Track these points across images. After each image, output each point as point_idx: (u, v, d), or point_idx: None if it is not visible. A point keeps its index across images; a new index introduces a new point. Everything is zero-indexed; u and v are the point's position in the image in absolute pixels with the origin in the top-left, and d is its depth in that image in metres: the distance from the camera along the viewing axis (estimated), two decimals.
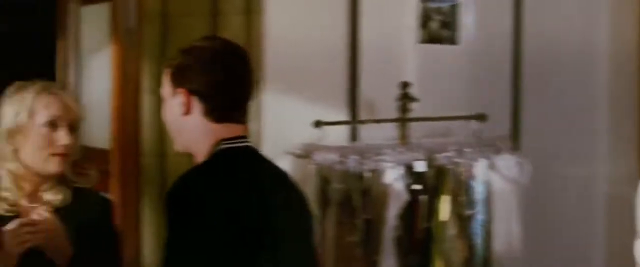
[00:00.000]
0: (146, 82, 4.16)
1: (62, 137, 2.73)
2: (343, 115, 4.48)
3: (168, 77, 2.46)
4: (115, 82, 4.35)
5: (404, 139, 4.35)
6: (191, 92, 2.41)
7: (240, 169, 2.40)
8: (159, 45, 4.19)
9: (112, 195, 4.35)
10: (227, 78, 2.41)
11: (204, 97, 2.40)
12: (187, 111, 2.41)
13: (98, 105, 4.77)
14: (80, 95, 5.09)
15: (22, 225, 2.63)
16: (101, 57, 4.82)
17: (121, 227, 4.18)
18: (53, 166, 2.74)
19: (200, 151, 2.43)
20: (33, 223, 2.65)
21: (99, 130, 4.71)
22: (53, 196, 2.79)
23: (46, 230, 2.66)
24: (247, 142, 2.47)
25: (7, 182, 2.76)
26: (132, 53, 4.26)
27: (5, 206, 2.75)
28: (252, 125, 4.22)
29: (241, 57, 2.48)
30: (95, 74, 5.02)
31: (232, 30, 4.21)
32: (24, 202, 2.77)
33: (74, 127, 2.77)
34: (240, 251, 2.27)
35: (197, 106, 2.41)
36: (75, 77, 5.11)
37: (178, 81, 2.42)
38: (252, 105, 4.14)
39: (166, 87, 2.47)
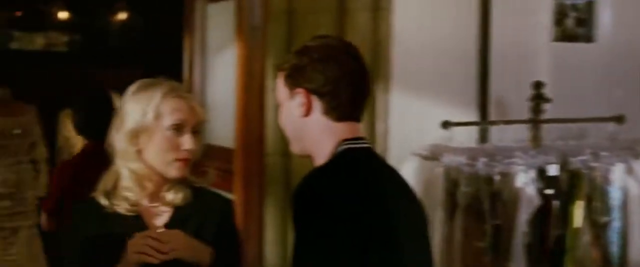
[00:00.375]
0: (271, 81, 4.14)
1: (187, 141, 2.71)
2: (472, 116, 4.41)
3: (283, 80, 2.44)
4: (239, 81, 4.34)
5: (536, 141, 4.25)
6: (310, 91, 2.38)
7: (363, 171, 2.36)
8: (284, 43, 4.18)
9: (235, 194, 4.35)
10: (344, 75, 2.38)
11: (323, 96, 2.37)
12: (308, 111, 2.39)
13: (222, 103, 4.77)
14: (205, 93, 5.11)
15: (146, 236, 2.61)
16: (226, 55, 4.82)
17: (244, 228, 4.18)
18: (175, 171, 2.72)
19: (322, 152, 2.40)
20: (158, 238, 2.61)
21: (223, 129, 4.71)
22: (174, 195, 2.77)
23: (171, 248, 2.61)
24: (366, 143, 2.45)
25: (129, 181, 2.74)
26: (256, 51, 4.25)
27: (126, 205, 2.74)
28: (378, 125, 4.21)
29: (354, 54, 2.44)
30: (220, 72, 5.03)
31: (359, 28, 4.17)
32: (145, 202, 2.76)
33: (197, 131, 2.75)
34: (363, 255, 2.23)
35: (317, 106, 2.39)
36: (200, 75, 5.13)
37: (295, 82, 2.40)
38: (378, 105, 4.20)
39: (282, 91, 2.45)
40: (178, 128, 2.70)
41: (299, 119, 2.40)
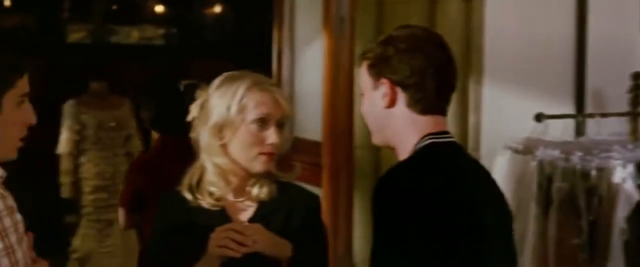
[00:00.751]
0: (359, 72, 4.07)
1: (271, 135, 2.67)
2: (568, 108, 4.31)
3: (367, 70, 2.38)
4: (327, 73, 4.31)
5: (635, 134, 4.15)
6: (394, 82, 2.32)
7: (447, 167, 2.30)
8: (372, 34, 4.16)
9: (323, 188, 4.31)
10: (430, 66, 2.31)
11: (408, 88, 2.31)
12: (392, 103, 2.33)
13: (311, 96, 4.74)
14: (293, 86, 5.09)
15: (229, 229, 2.57)
16: (315, 47, 4.79)
17: (332, 222, 4.14)
18: (260, 166, 2.69)
19: (404, 145, 2.34)
20: (241, 231, 2.58)
21: (312, 121, 4.68)
22: (259, 190, 2.74)
23: (254, 241, 2.58)
24: (451, 137, 2.38)
25: (214, 176, 2.72)
26: (344, 42, 4.22)
27: (211, 200, 2.71)
28: (470, 118, 4.14)
29: (441, 44, 2.38)
30: (309, 64, 5.01)
31: (450, 17, 4.11)
32: (229, 196, 2.74)
33: (282, 124, 2.71)
34: (446, 251, 2.18)
35: (401, 97, 2.32)
36: (289, 67, 5.12)
37: (380, 72, 2.33)
38: (470, 97, 4.13)
39: (365, 80, 2.39)
40: (262, 122, 2.66)
41: (381, 110, 2.34)
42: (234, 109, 2.65)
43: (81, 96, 6.83)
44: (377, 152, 4.17)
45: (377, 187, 2.25)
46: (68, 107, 6.75)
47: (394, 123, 2.33)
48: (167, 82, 7.13)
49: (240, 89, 2.66)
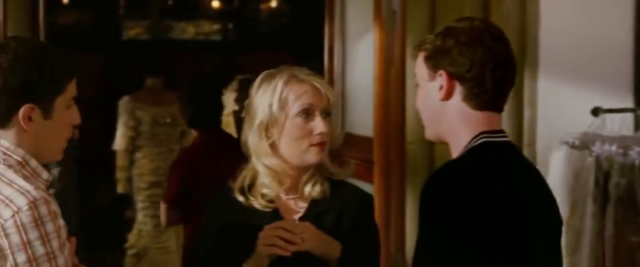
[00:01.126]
0: (410, 67, 4.02)
1: (318, 125, 2.63)
2: (626, 102, 4.21)
3: (424, 61, 2.33)
4: (378, 67, 4.28)
5: None
6: (452, 75, 2.27)
7: (499, 169, 2.25)
8: (425, 28, 4.12)
9: (375, 185, 4.27)
10: (490, 61, 2.26)
11: (466, 81, 2.26)
12: (448, 96, 2.28)
13: (362, 91, 4.71)
14: (345, 80, 5.05)
15: (277, 228, 2.55)
16: (366, 41, 4.75)
17: (384, 219, 4.10)
18: (312, 157, 2.65)
19: (458, 142, 2.30)
20: (290, 229, 2.55)
21: (363, 117, 4.64)
22: (311, 188, 2.70)
23: (303, 240, 2.56)
24: (506, 136, 2.33)
25: (266, 178, 2.68)
26: (395, 36, 4.17)
27: (263, 202, 2.68)
28: (526, 112, 4.07)
29: (502, 38, 2.32)
30: (360, 58, 4.97)
31: (505, 10, 4.08)
32: (282, 196, 2.71)
33: (327, 113, 2.67)
34: (491, 254, 2.13)
35: (458, 90, 2.28)
36: (340, 61, 5.08)
37: (437, 64, 2.29)
38: (525, 92, 4.06)
39: (421, 71, 2.34)
40: (306, 113, 2.63)
41: (437, 103, 2.29)
42: (275, 105, 2.63)
43: (137, 92, 6.86)
44: (430, 147, 4.11)
45: (426, 185, 2.20)
46: (123, 103, 6.78)
47: (448, 117, 2.29)
48: (205, 80, 7.15)
49: (278, 84, 2.64)
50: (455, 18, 2.43)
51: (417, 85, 2.37)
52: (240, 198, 2.69)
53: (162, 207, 4.48)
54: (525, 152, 4.14)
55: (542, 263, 2.25)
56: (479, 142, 2.25)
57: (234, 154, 2.80)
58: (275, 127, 2.64)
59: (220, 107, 4.57)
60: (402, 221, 4.23)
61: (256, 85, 2.70)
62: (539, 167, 4.03)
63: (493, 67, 2.24)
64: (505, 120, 4.07)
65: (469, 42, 2.24)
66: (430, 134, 2.37)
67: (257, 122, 2.65)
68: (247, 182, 2.71)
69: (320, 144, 2.64)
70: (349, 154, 4.48)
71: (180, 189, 4.28)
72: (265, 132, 2.65)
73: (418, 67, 2.35)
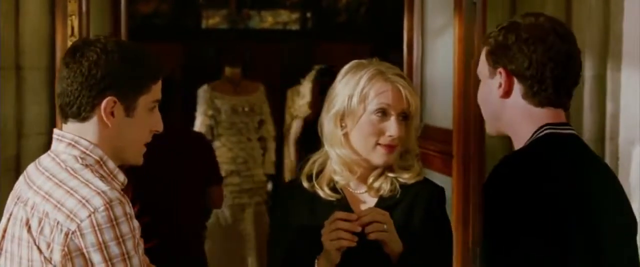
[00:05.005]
0: None
1: (391, 127, 2.60)
2: None
3: (486, 56, 2.32)
4: (457, 59, 4.23)
5: None
6: (511, 72, 2.25)
7: (566, 161, 2.21)
8: (506, 19, 3.99)
9: (454, 177, 4.24)
10: (551, 59, 2.23)
11: (526, 79, 2.24)
12: (507, 94, 2.27)
13: (442, 83, 4.67)
14: (424, 73, 5.02)
15: (335, 220, 2.51)
16: (446, 32, 4.71)
17: (462, 212, 4.06)
18: (378, 158, 2.63)
19: (519, 136, 2.28)
20: (346, 217, 2.52)
21: (442, 109, 4.61)
22: (380, 185, 2.68)
23: (369, 227, 2.52)
24: (571, 129, 2.29)
25: (337, 165, 2.68)
26: (476, 28, 4.12)
27: (328, 191, 2.67)
28: (608, 106, 4.00)
29: (566, 36, 2.28)
30: (440, 50, 4.92)
31: (588, 3, 3.97)
32: (351, 187, 2.70)
33: (406, 117, 2.63)
34: (556, 247, 2.10)
35: (517, 88, 2.26)
36: (419, 54, 5.04)
37: (497, 60, 2.27)
38: (608, 85, 3.99)
39: (483, 66, 2.33)
40: (383, 113, 2.61)
41: (497, 100, 2.28)
42: (355, 98, 2.61)
43: (215, 81, 6.90)
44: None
45: (487, 180, 2.19)
46: (202, 92, 6.82)
47: (508, 114, 2.27)
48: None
49: (363, 78, 2.62)
50: (537, 10, 2.40)
51: (479, 80, 2.36)
52: (305, 184, 2.68)
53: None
54: (607, 146, 4.08)
55: (611, 257, 2.19)
56: (542, 133, 2.22)
57: None
58: (351, 118, 2.63)
59: None
60: (481, 215, 4.18)
61: (343, 73, 2.69)
62: (621, 161, 4.00)
63: (554, 66, 2.22)
64: (586, 114, 4.04)
65: (529, 39, 2.22)
66: (490, 129, 2.37)
67: (334, 110, 2.65)
68: (316, 167, 2.71)
69: (389, 147, 2.61)
70: (428, 146, 4.46)
71: None
72: (340, 122, 2.64)
73: (480, 62, 2.34)
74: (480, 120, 4.13)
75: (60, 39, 4.05)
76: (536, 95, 2.23)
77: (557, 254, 2.08)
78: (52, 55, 4.11)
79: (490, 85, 2.29)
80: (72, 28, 4.08)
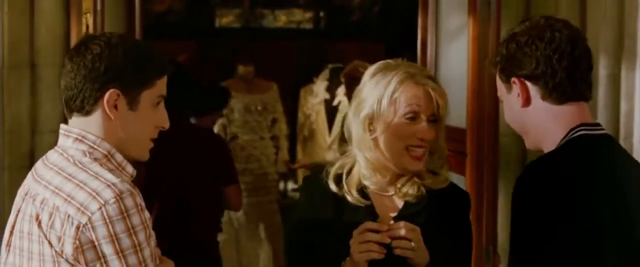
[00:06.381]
0: None
1: (421, 130, 2.56)
2: None
3: (499, 75, 2.35)
4: (471, 58, 4.22)
5: None
6: (524, 78, 2.27)
7: (600, 161, 2.21)
8: (520, 18, 4.01)
9: (467, 176, 4.23)
10: (554, 52, 2.24)
11: (538, 79, 2.26)
12: (527, 101, 2.29)
13: (456, 82, 4.66)
14: (438, 72, 5.01)
15: (365, 231, 2.49)
16: (460, 31, 4.69)
17: (475, 212, 4.05)
18: (408, 165, 2.59)
19: (551, 140, 2.27)
20: (377, 228, 2.50)
21: (456, 108, 4.57)
22: (408, 188, 2.64)
23: (396, 240, 2.50)
24: (603, 129, 2.30)
25: (366, 170, 2.63)
26: (490, 26, 4.12)
27: (356, 194, 2.62)
28: (622, 105, 3.97)
29: (564, 28, 2.29)
30: (453, 49, 4.92)
31: (602, 3, 3.96)
32: (378, 191, 2.66)
33: (434, 118, 2.59)
34: (587, 252, 2.11)
35: (534, 92, 2.27)
36: (433, 52, 5.03)
37: (509, 72, 2.30)
38: (622, 84, 3.96)
39: (500, 86, 2.36)
40: (413, 117, 2.56)
41: (520, 111, 2.30)
42: (385, 101, 2.56)
43: (228, 80, 6.91)
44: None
45: (518, 182, 2.19)
46: None
47: (535, 121, 2.28)
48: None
49: (393, 81, 2.57)
50: (550, 9, 2.41)
51: (501, 101, 2.37)
52: (333, 187, 2.64)
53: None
54: (622, 145, 4.05)
55: None
56: (576, 134, 2.22)
57: None
58: (381, 123, 2.58)
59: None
60: (494, 214, 4.18)
61: (371, 73, 2.64)
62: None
63: (559, 57, 2.23)
64: (601, 113, 4.02)
65: (529, 40, 2.25)
66: (528, 143, 2.37)
67: (363, 113, 2.60)
68: (344, 170, 2.66)
69: (418, 158, 2.57)
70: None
71: None
72: (370, 125, 2.60)
73: (497, 85, 2.36)
74: (494, 120, 4.15)
75: (74, 36, 4.05)
76: (553, 92, 2.24)
77: (590, 254, 2.09)
78: (67, 53, 4.11)
79: (511, 100, 2.31)
80: (87, 26, 4.09)
